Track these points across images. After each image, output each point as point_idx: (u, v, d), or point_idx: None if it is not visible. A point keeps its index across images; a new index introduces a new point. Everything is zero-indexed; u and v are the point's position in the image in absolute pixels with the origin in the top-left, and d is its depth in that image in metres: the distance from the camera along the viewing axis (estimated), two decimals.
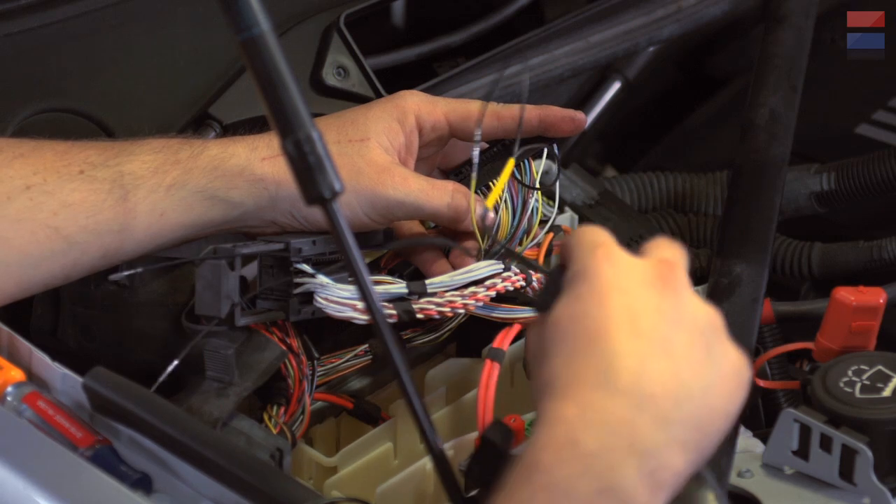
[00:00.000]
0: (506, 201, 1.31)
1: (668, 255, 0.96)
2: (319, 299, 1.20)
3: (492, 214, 1.27)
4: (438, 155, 1.34)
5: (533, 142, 1.31)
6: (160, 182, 1.21)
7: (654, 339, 0.91)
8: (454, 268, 1.26)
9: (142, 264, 1.22)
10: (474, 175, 1.28)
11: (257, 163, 1.23)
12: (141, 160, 1.21)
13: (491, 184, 1.30)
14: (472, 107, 1.30)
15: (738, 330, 1.25)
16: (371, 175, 1.24)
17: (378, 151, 1.25)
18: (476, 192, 1.31)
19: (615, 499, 0.87)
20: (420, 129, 1.29)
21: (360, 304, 1.19)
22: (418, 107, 1.29)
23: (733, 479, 1.10)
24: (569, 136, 1.30)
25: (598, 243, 0.95)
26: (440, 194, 1.26)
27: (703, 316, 0.94)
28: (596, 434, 0.88)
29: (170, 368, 1.16)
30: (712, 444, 0.92)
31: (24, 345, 1.18)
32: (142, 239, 1.21)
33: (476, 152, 1.27)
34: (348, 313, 1.20)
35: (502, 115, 1.30)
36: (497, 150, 1.31)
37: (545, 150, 1.31)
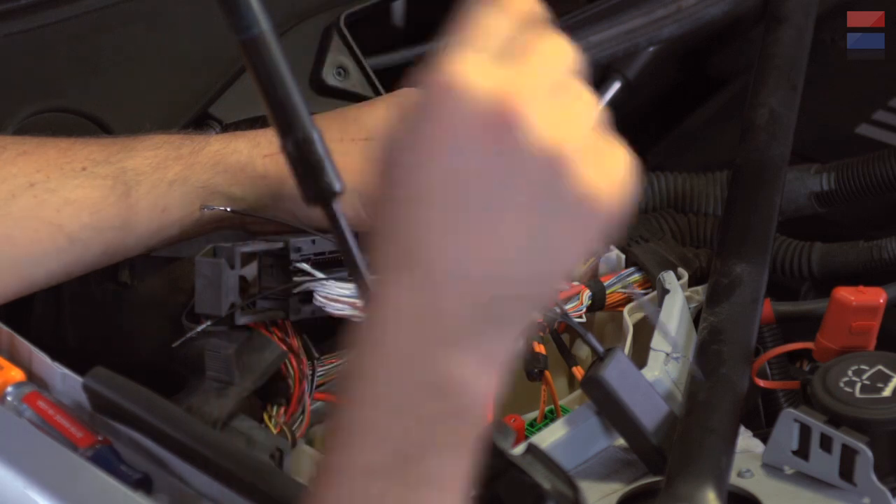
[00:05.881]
0: None
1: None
2: (319, 297, 1.20)
3: None
4: None
5: None
6: (162, 177, 1.21)
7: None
8: None
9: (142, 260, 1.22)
10: None
11: (259, 159, 1.23)
12: (142, 156, 1.21)
13: None
14: None
15: (738, 330, 1.25)
16: (374, 175, 1.24)
17: (381, 151, 1.25)
18: None
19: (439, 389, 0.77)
20: None
21: (360, 303, 1.19)
22: None
23: (733, 479, 1.10)
24: None
25: None
26: None
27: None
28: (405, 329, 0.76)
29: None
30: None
31: (24, 345, 1.18)
32: (143, 235, 1.21)
33: None
34: (349, 311, 1.20)
35: None
36: None
37: None
